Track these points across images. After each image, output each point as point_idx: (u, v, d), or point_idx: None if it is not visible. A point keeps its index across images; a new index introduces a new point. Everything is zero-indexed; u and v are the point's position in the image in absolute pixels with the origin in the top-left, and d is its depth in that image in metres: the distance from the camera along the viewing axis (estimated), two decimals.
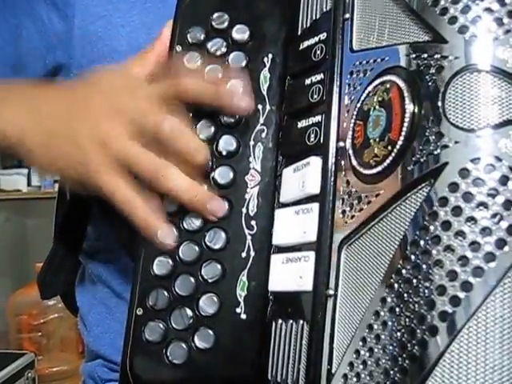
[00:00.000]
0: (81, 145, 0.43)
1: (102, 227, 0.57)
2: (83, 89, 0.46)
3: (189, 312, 0.43)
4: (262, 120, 0.45)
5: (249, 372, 0.41)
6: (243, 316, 0.42)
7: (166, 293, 0.43)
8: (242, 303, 0.42)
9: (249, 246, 0.43)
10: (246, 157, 0.45)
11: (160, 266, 0.44)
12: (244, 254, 0.43)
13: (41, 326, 1.94)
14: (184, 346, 0.42)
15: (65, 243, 0.57)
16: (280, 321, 0.37)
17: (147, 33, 0.53)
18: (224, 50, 0.47)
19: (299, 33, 0.44)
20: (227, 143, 0.45)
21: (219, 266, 0.43)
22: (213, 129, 0.46)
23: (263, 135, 0.45)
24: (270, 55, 0.46)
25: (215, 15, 0.48)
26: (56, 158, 0.45)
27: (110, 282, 0.55)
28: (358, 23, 0.38)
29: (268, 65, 0.46)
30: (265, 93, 0.46)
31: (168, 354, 0.42)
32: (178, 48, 0.48)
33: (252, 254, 0.43)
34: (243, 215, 0.44)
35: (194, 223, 0.44)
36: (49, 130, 0.45)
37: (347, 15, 0.38)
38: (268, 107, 0.46)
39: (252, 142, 0.45)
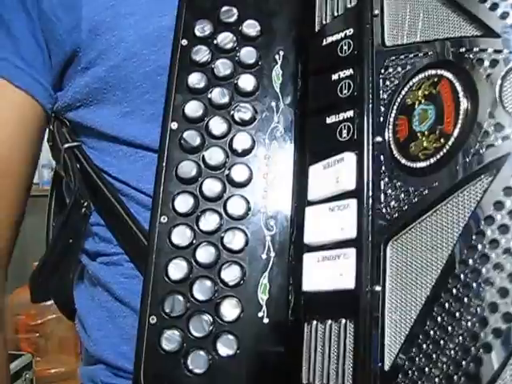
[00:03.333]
0: None
1: (103, 230, 0.56)
2: None
3: (209, 318, 0.42)
4: (276, 118, 0.46)
5: (276, 378, 0.40)
6: (266, 320, 0.42)
7: (182, 298, 0.42)
8: (265, 307, 0.42)
9: (269, 247, 0.43)
10: (261, 155, 0.45)
11: (175, 269, 0.43)
12: (264, 256, 0.43)
13: (38, 327, 1.89)
14: (205, 354, 0.41)
15: (62, 243, 0.55)
16: (315, 322, 0.38)
17: (156, 21, 0.52)
18: (234, 44, 0.47)
19: (317, 29, 0.45)
20: (242, 140, 0.45)
21: (239, 269, 0.43)
22: (226, 125, 0.46)
23: (278, 133, 0.46)
24: (282, 52, 0.47)
25: (223, 9, 0.48)
26: None
27: (110, 286, 0.54)
28: (390, 19, 0.39)
29: (280, 62, 0.47)
30: (278, 90, 0.46)
31: (188, 363, 0.41)
32: (184, 42, 0.48)
33: (272, 255, 0.43)
34: (261, 215, 0.44)
35: (210, 224, 0.44)
36: None
37: (376, 11, 0.40)
38: (282, 105, 0.46)
39: (267, 140, 0.45)
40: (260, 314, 0.42)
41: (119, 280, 0.54)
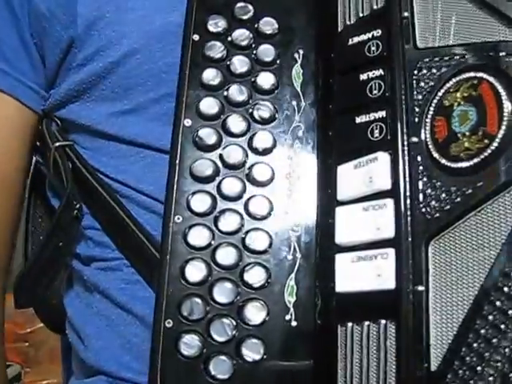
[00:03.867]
0: None
1: (99, 234, 0.54)
2: None
3: (231, 322, 0.41)
4: (297, 117, 0.45)
5: (307, 382, 0.40)
6: (294, 323, 0.41)
7: (201, 301, 0.41)
8: (292, 309, 0.42)
9: (294, 248, 0.43)
10: (284, 154, 0.45)
11: (193, 271, 0.42)
12: (290, 257, 0.43)
13: (28, 336, 1.77)
14: (228, 359, 0.40)
15: (51, 246, 0.52)
16: (350, 324, 0.37)
17: (163, 17, 0.51)
18: (250, 41, 0.47)
19: (340, 29, 0.45)
20: (263, 139, 0.45)
21: (264, 270, 0.42)
22: (245, 123, 0.45)
23: (300, 133, 0.45)
24: (301, 51, 0.47)
25: (238, 5, 0.48)
26: None
27: (110, 292, 0.52)
28: (420, 22, 0.40)
29: (300, 60, 0.47)
30: (299, 89, 0.46)
31: (210, 369, 0.40)
32: (196, 37, 0.47)
33: (298, 256, 0.43)
34: (285, 216, 0.44)
35: (230, 224, 0.43)
36: None
37: (406, 14, 0.40)
38: (303, 104, 0.46)
39: (289, 140, 0.45)
40: (287, 317, 0.42)
41: (120, 286, 0.52)
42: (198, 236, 0.43)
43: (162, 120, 0.53)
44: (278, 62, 0.47)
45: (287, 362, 0.41)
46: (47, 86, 0.56)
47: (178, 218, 0.43)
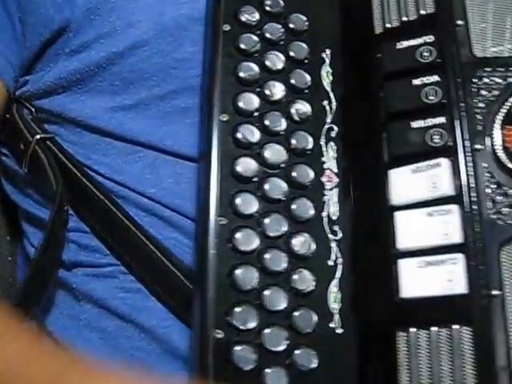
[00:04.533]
0: None
1: (87, 237, 0.49)
2: None
3: (284, 330, 0.40)
4: (329, 118, 0.45)
5: None
6: (339, 331, 0.41)
7: (254, 310, 0.39)
8: (337, 316, 0.41)
9: (336, 253, 0.42)
10: (318, 156, 0.44)
11: (243, 277, 0.40)
12: (331, 263, 0.42)
13: None
14: (284, 369, 0.39)
15: (49, 256, 0.47)
16: (413, 329, 0.38)
17: (174, 8, 0.48)
18: (283, 36, 0.46)
19: (379, 31, 0.45)
20: (301, 139, 0.44)
21: (311, 276, 0.41)
22: (284, 122, 0.44)
23: (333, 133, 0.45)
24: (328, 50, 0.47)
25: None
26: None
27: (107, 301, 0.47)
28: (475, 29, 0.41)
29: (328, 60, 0.47)
30: (329, 89, 0.46)
31: (267, 381, 0.38)
32: (226, 27, 0.45)
33: (340, 261, 0.42)
34: (324, 220, 0.43)
35: (276, 227, 0.42)
36: None
37: (459, 22, 0.42)
38: (334, 104, 0.46)
39: (322, 141, 0.45)
40: (332, 325, 0.41)
41: (118, 295, 0.48)
42: (246, 240, 0.41)
43: (165, 118, 0.50)
44: (309, 59, 0.46)
45: (339, 371, 0.40)
46: (23, 69, 0.51)
47: (222, 221, 0.40)
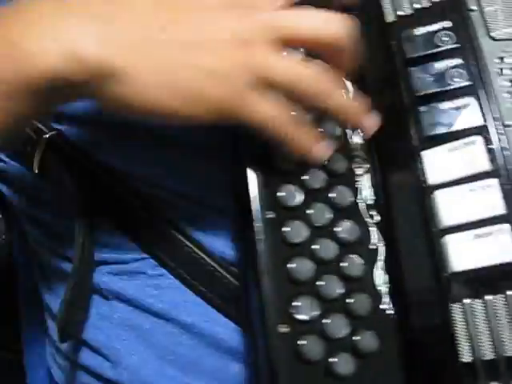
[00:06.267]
0: (214, 52, 0.36)
1: (113, 233, 0.48)
2: None
3: (342, 316, 0.41)
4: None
5: (425, 364, 0.42)
6: (390, 311, 0.43)
7: (313, 300, 0.41)
8: (387, 298, 0.43)
9: (375, 237, 0.45)
10: (346, 143, 0.47)
11: (299, 268, 0.41)
12: (372, 246, 0.44)
13: None
14: (349, 355, 0.41)
15: (86, 260, 0.45)
16: (468, 300, 0.41)
17: None
18: None
19: (392, 19, 0.48)
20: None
21: (359, 261, 0.43)
22: None
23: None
24: None
25: None
26: (176, 86, 0.36)
27: (139, 300, 0.47)
28: (489, 14, 0.45)
29: None
30: None
31: (335, 368, 0.40)
32: None
33: (381, 244, 0.45)
34: (362, 204, 0.45)
35: (321, 216, 0.43)
36: (146, 39, 0.35)
37: (473, 7, 0.45)
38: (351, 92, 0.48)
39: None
40: (383, 306, 0.43)
41: (150, 293, 0.47)
42: (296, 231, 0.42)
43: None
44: None
45: (399, 350, 0.42)
46: None
47: (271, 214, 0.42)
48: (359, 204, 0.45)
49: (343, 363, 0.40)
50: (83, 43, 0.34)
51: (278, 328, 0.40)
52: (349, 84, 0.48)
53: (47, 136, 0.47)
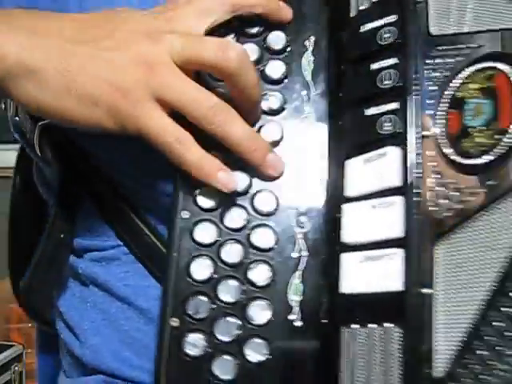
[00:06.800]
0: (119, 66, 0.41)
1: (95, 221, 0.53)
2: (106, 13, 0.44)
3: (236, 321, 0.42)
4: (307, 107, 0.46)
5: None
6: (298, 323, 0.42)
7: (207, 300, 0.42)
8: (296, 309, 0.42)
9: (300, 246, 0.43)
10: None
11: (199, 269, 0.43)
12: (295, 254, 0.43)
13: None
14: (232, 359, 0.41)
15: (54, 240, 0.54)
16: (354, 325, 0.38)
17: None
18: (260, 29, 0.47)
19: (353, 14, 0.45)
20: (271, 131, 0.45)
21: (268, 268, 0.43)
22: None
23: (309, 124, 0.46)
24: (312, 38, 0.47)
25: None
26: (78, 88, 0.41)
27: (109, 284, 0.51)
28: (434, 7, 0.39)
29: (310, 48, 0.47)
30: (309, 78, 0.46)
31: (214, 369, 0.41)
32: None
33: (305, 254, 0.43)
34: (292, 211, 0.44)
35: (236, 220, 0.44)
36: (62, 47, 0.42)
37: None
38: (313, 93, 0.46)
39: (298, 132, 0.45)
40: (291, 317, 0.42)
41: (119, 276, 0.51)
42: (205, 232, 0.44)
43: None
44: (288, 49, 0.47)
45: (292, 363, 0.41)
46: None
47: (185, 214, 0.44)
48: (290, 211, 0.45)
49: (222, 366, 0.42)
50: (7, 46, 0.41)
51: (170, 320, 0.43)
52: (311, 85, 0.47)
53: (40, 124, 0.53)
